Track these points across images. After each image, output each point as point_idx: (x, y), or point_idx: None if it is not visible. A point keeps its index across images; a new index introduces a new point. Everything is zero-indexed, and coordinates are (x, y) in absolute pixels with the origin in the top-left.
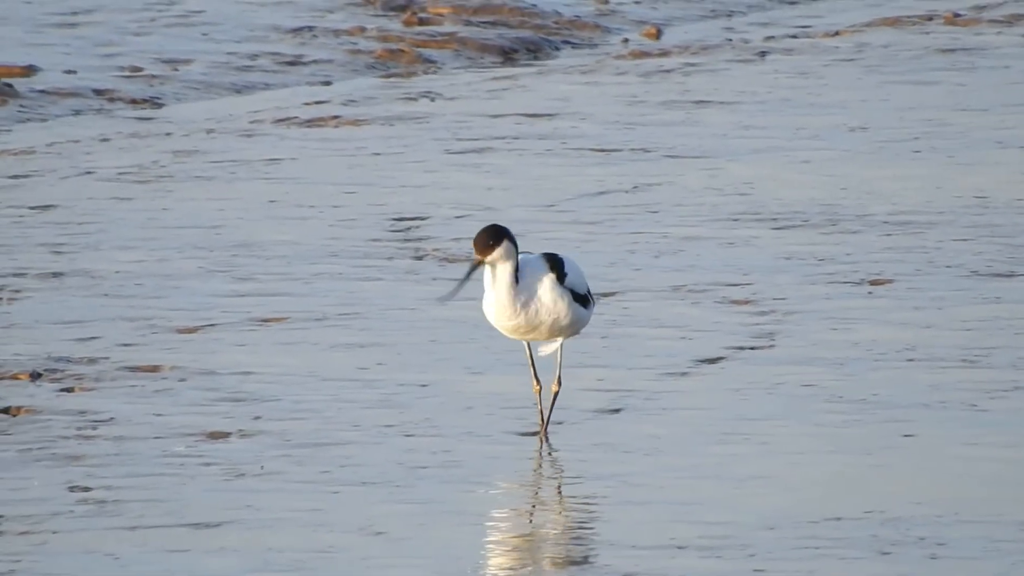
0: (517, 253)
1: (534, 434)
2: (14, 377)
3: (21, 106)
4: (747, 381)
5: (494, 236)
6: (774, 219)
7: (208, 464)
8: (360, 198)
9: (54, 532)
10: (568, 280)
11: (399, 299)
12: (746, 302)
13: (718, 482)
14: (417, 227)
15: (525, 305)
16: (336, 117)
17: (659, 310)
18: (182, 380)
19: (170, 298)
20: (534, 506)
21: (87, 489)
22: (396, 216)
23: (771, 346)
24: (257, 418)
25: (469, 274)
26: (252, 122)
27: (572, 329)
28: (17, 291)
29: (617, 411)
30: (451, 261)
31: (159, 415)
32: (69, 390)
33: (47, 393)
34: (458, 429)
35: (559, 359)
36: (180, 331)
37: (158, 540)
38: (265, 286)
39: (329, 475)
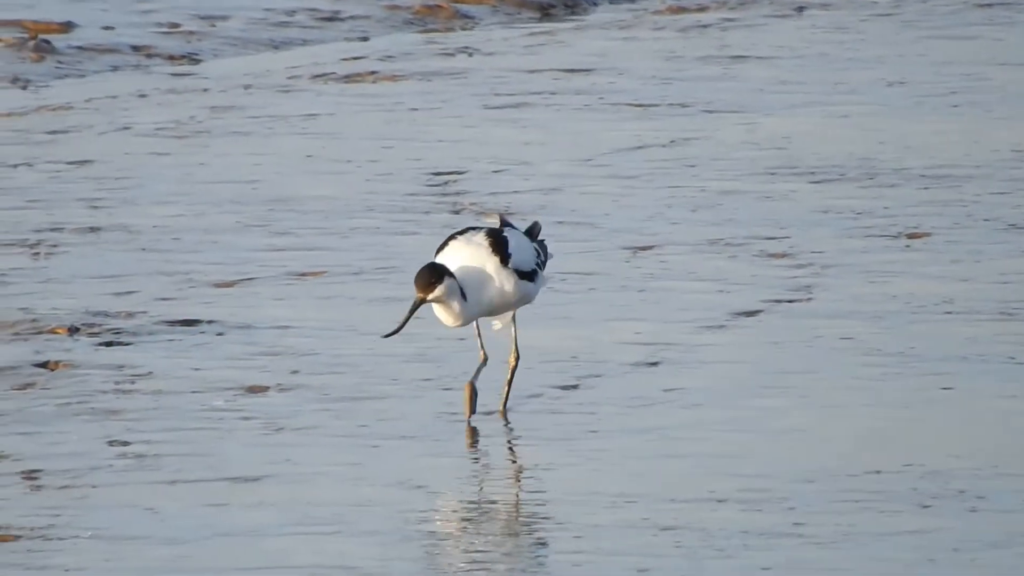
0: (458, 286)
1: (574, 387)
2: (52, 331)
3: (59, 62)
4: (785, 334)
5: (435, 275)
6: (811, 173)
7: (247, 418)
8: (397, 153)
9: (93, 486)
10: (513, 261)
11: None
12: (783, 255)
13: (757, 435)
14: (454, 181)
15: (477, 306)
16: (373, 73)
17: (696, 264)
18: (220, 334)
19: (207, 252)
20: (572, 460)
21: (126, 443)
22: (433, 171)
23: (809, 299)
24: (295, 372)
25: (411, 312)
26: (289, 78)
27: (519, 304)
28: (55, 246)
29: (655, 364)
30: (488, 215)
31: (197, 369)
32: (107, 344)
33: (85, 347)
34: (496, 383)
35: (514, 332)
36: (218, 285)
37: (197, 494)
38: (302, 240)
39: (367, 429)
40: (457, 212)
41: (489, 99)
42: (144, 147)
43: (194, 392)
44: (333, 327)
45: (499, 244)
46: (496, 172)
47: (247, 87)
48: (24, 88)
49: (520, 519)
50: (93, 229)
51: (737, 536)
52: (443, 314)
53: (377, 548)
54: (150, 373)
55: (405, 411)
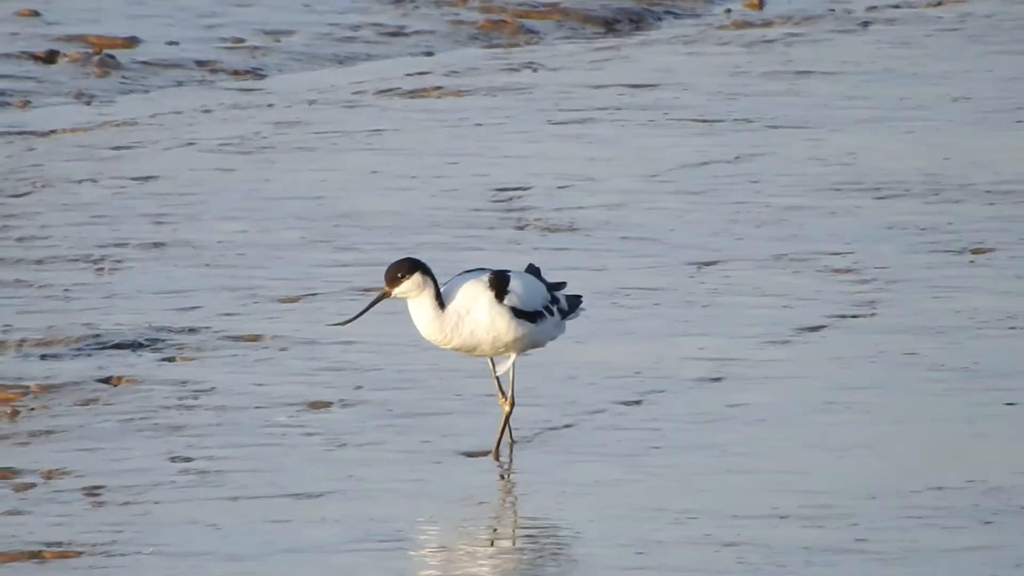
0: (434, 281)
1: (637, 403)
2: (116, 347)
3: (123, 77)
4: (849, 350)
5: (404, 269)
6: (876, 189)
7: (310, 434)
8: (462, 168)
9: (156, 502)
10: (510, 298)
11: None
12: (848, 271)
13: (820, 451)
14: (519, 197)
15: (456, 327)
16: (438, 88)
17: (761, 279)
18: (283, 349)
19: (272, 268)
20: (635, 476)
21: (188, 459)
22: (498, 186)
23: (873, 315)
24: (359, 388)
25: (371, 305)
26: (354, 93)
27: (521, 344)
28: (119, 261)
29: (719, 380)
30: (552, 231)
31: (260, 385)
32: (170, 360)
33: (148, 363)
34: (560, 399)
35: (511, 377)
36: (282, 301)
37: (260, 511)
38: (367, 256)
39: (431, 445)
40: (522, 228)
41: (554, 114)
42: (209, 163)
43: (257, 408)
44: (397, 342)
45: (498, 281)
46: (561, 188)
47: (312, 102)
48: (88, 104)
49: (583, 536)
50: (157, 245)
51: (800, 552)
52: (416, 315)
53: (439, 563)
54: (213, 389)
55: (469, 427)
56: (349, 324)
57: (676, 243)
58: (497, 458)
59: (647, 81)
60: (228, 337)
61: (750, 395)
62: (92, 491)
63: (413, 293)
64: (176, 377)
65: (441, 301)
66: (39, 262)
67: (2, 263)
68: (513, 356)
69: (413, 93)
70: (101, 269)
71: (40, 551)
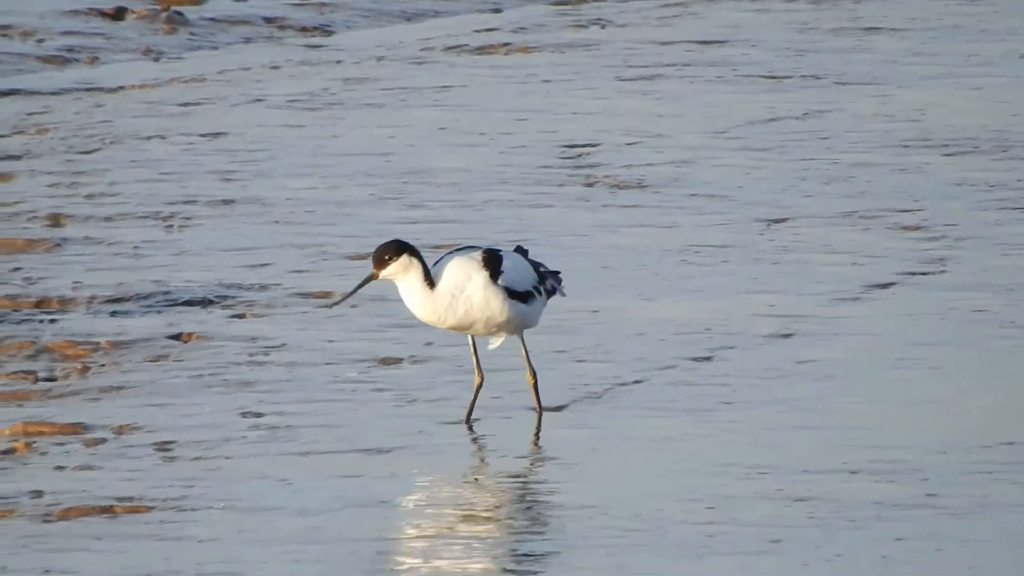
0: (422, 262)
1: (708, 359)
2: (186, 303)
3: (191, 34)
4: (918, 306)
5: (391, 251)
6: (945, 145)
7: (380, 390)
8: (530, 125)
9: (226, 458)
10: (504, 278)
11: (570, 225)
12: (917, 228)
13: (890, 406)
14: (588, 154)
15: (450, 307)
16: (506, 44)
17: (830, 236)
18: (354, 306)
19: (341, 225)
20: (706, 431)
21: (259, 415)
22: (567, 143)
23: (942, 271)
24: (428, 344)
25: (360, 286)
26: (422, 49)
27: (513, 325)
28: (188, 218)
29: (789, 336)
30: (621, 188)
31: (331, 341)
32: (240, 316)
33: (218, 319)
34: (630, 355)
35: (524, 351)
36: (351, 258)
37: (330, 466)
38: (436, 213)
39: (500, 401)
40: (590, 185)
41: (622, 71)
42: (277, 119)
43: (327, 364)
44: None
45: (492, 260)
46: (629, 144)
47: (380, 59)
48: (156, 60)
49: (653, 491)
50: (226, 201)
51: (870, 507)
52: (407, 296)
53: (509, 520)
54: (283, 345)
55: (539, 383)
56: (337, 306)
57: (745, 200)
58: (468, 423)
59: (715, 37)
60: (298, 294)
61: (820, 351)
62: (163, 446)
63: (400, 275)
64: (246, 333)
65: (431, 281)
66: (108, 219)
67: (72, 220)
68: (503, 336)
69: (481, 50)
70: (171, 226)
71: (111, 506)
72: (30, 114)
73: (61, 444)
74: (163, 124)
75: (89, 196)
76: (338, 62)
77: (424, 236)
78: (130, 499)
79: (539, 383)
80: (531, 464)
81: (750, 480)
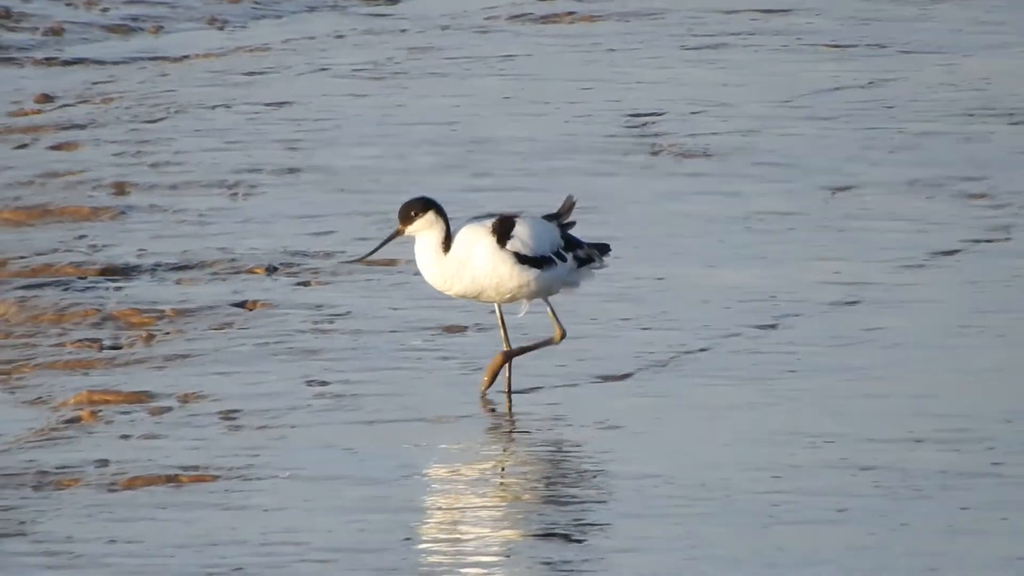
0: (446, 223)
1: (772, 327)
2: (250, 271)
3: (256, 3)
4: (983, 274)
5: (418, 207)
6: (1010, 114)
7: (445, 358)
8: (595, 94)
9: (292, 426)
10: (513, 243)
11: (635, 194)
12: (982, 196)
13: (955, 375)
14: (653, 123)
15: (457, 274)
16: (571, 13)
17: (895, 204)
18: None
19: (406, 193)
20: (771, 400)
21: (324, 383)
22: (632, 112)
23: (1007, 239)
24: (493, 312)
25: (385, 242)
26: (487, 18)
27: (528, 291)
28: (253, 187)
29: (854, 304)
30: (686, 156)
31: (395, 309)
32: (305, 284)
33: (283, 287)
34: (695, 323)
35: (551, 313)
36: None
37: (395, 435)
38: (501, 181)
39: (566, 369)
40: (656, 154)
41: (687, 40)
42: (342, 88)
43: (392, 332)
44: None
45: (502, 225)
46: (694, 114)
47: (444, 28)
48: (221, 29)
49: (719, 460)
50: (291, 170)
51: (936, 476)
52: (420, 256)
53: (574, 489)
54: (348, 313)
55: (603, 351)
56: (362, 261)
57: (810, 168)
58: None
59: (780, 6)
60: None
61: (885, 319)
62: (228, 415)
63: (425, 231)
64: (311, 301)
65: (448, 244)
66: (173, 187)
67: (137, 188)
68: (525, 304)
69: (545, 18)
70: (235, 194)
71: (177, 475)
72: (95, 83)
73: (126, 413)
74: (228, 93)
75: (154, 165)
76: (403, 31)
77: (489, 205)
78: (195, 468)
79: (596, 350)
80: (596, 433)
81: (815, 449)
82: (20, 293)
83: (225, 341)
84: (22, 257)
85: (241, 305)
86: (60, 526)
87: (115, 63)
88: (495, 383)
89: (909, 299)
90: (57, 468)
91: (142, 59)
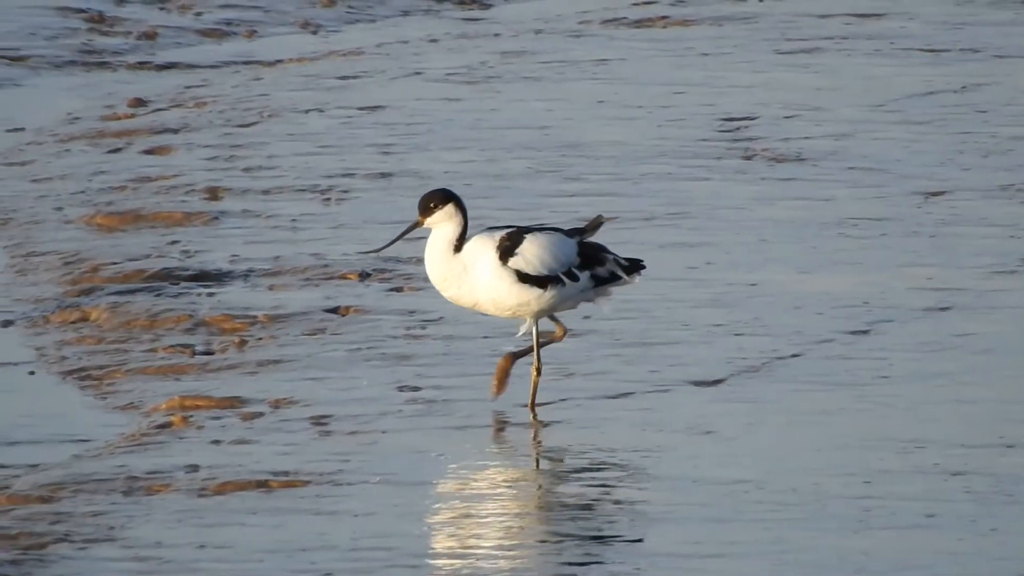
0: (464, 219)
1: (865, 332)
2: (343, 277)
3: (349, 7)
4: None
5: (438, 199)
6: None
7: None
8: (689, 98)
9: (383, 432)
10: (516, 261)
11: (728, 198)
12: None
13: None
14: (746, 127)
15: (458, 277)
16: (664, 18)
17: (988, 209)
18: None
19: (499, 198)
20: (862, 405)
21: (416, 389)
22: (725, 116)
23: None
24: (587, 317)
25: (404, 233)
26: (580, 23)
27: (529, 310)
28: (346, 191)
29: (946, 309)
30: (779, 161)
31: (487, 314)
32: (398, 290)
33: (376, 293)
34: (787, 328)
35: (534, 342)
36: None
37: (486, 440)
38: (593, 186)
39: (658, 375)
40: (749, 158)
41: (780, 44)
42: (435, 92)
43: (484, 337)
44: None
45: (509, 239)
46: (787, 118)
47: (538, 32)
48: (315, 33)
49: (810, 465)
50: (384, 175)
51: None
52: (428, 251)
53: (666, 494)
54: (441, 318)
55: (697, 357)
56: (379, 252)
57: (902, 173)
58: (532, 412)
59: (873, 10)
60: None
61: (977, 325)
62: (319, 420)
63: (443, 224)
64: (403, 307)
65: (461, 243)
66: (266, 192)
67: (229, 193)
68: (528, 320)
69: (639, 23)
70: (328, 199)
71: (267, 480)
72: (188, 87)
73: (217, 418)
74: (321, 97)
75: (247, 169)
76: (496, 35)
77: (581, 209)
78: (286, 473)
79: (688, 356)
80: (688, 438)
81: (907, 454)
82: (113, 299)
83: (317, 347)
84: (115, 263)
85: (334, 311)
86: (150, 532)
87: (208, 67)
88: (506, 387)
89: (1001, 304)
90: (147, 473)
91: (235, 63)
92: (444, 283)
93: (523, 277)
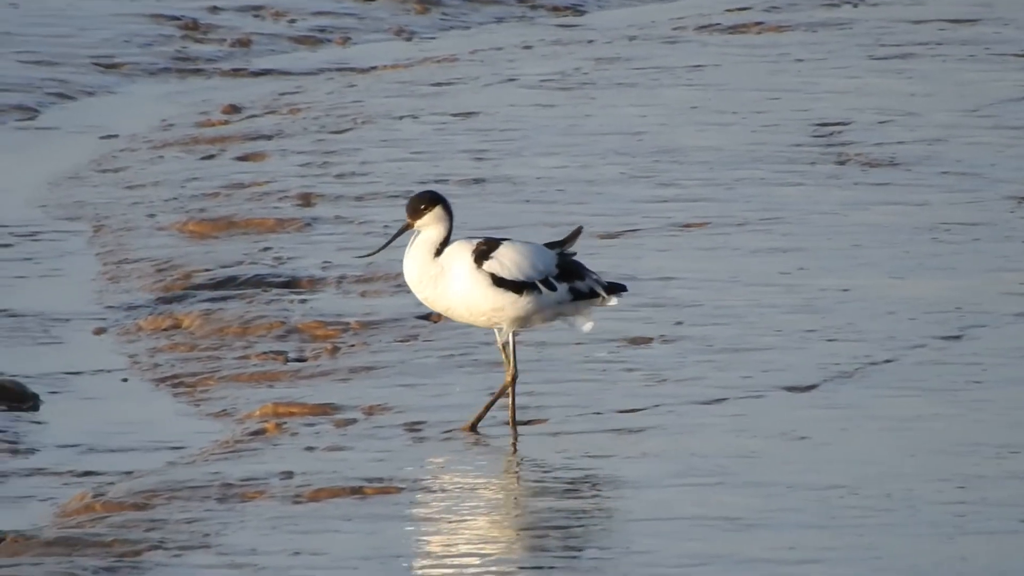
0: (450, 223)
1: (957, 338)
2: None
3: (444, 14)
4: None
5: (426, 201)
6: None
7: (630, 370)
8: (783, 104)
9: (476, 437)
10: (491, 264)
11: (821, 204)
12: None
13: None
14: (840, 132)
15: (433, 280)
16: (758, 24)
17: None
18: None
19: (592, 204)
20: (956, 411)
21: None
22: (819, 121)
23: None
24: (679, 323)
25: (395, 236)
26: (674, 28)
27: (503, 316)
28: None
29: None
30: (873, 166)
31: None
32: None
33: None
34: (880, 334)
35: (511, 349)
36: (602, 236)
37: (580, 445)
38: (687, 191)
39: (751, 380)
40: (842, 163)
41: (874, 50)
42: (529, 99)
43: (577, 344)
44: (716, 278)
45: (485, 244)
46: (881, 123)
47: (632, 38)
48: (409, 40)
49: (904, 471)
50: (477, 180)
51: None
52: (408, 253)
53: (760, 499)
54: None
55: (788, 362)
56: (373, 256)
57: (996, 178)
58: (473, 430)
59: (967, 16)
60: None
61: None
62: (413, 427)
63: (431, 226)
64: None
65: (443, 247)
66: (359, 198)
67: (322, 199)
68: (504, 327)
69: (733, 29)
70: None
71: (361, 487)
72: (282, 94)
73: (311, 425)
74: (415, 104)
75: (340, 175)
76: (590, 41)
77: (675, 215)
78: (380, 480)
79: (781, 361)
80: (781, 444)
81: (1001, 460)
82: (205, 305)
83: (410, 353)
84: (207, 269)
85: (426, 317)
86: (244, 538)
87: (302, 74)
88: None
89: None
90: (242, 480)
91: (329, 70)
92: (419, 284)
93: (498, 281)
